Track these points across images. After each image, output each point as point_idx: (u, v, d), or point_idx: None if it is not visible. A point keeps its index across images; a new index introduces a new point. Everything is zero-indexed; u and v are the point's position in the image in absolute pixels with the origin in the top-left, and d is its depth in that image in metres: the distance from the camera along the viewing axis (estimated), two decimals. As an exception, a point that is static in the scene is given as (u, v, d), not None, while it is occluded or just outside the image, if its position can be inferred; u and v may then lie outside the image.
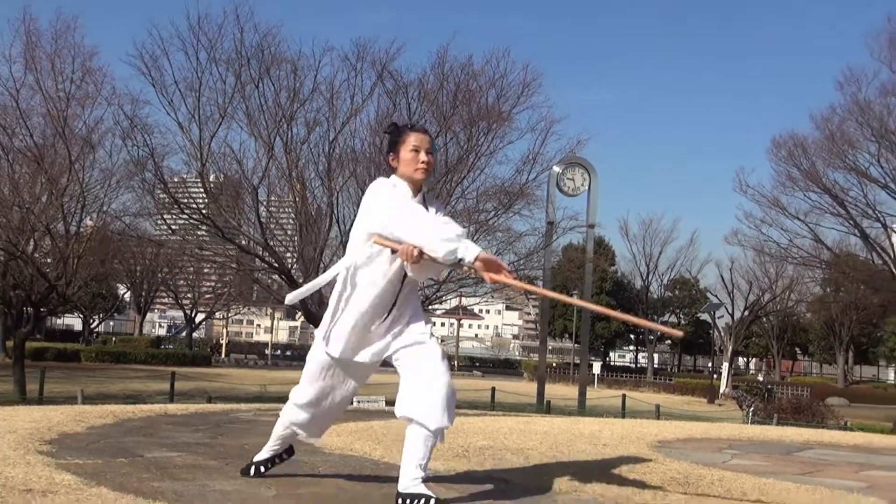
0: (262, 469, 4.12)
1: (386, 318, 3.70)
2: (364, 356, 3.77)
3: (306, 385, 3.96)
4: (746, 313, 62.15)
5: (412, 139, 3.80)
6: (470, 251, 3.38)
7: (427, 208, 3.71)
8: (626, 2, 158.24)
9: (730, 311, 61.89)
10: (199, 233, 31.37)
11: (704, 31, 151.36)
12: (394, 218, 3.54)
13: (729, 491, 4.46)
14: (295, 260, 28.99)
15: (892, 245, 38.39)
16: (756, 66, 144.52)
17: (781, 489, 4.64)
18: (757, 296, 61.60)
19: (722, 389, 47.97)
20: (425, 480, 3.48)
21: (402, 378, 3.64)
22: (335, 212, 28.25)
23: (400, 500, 3.45)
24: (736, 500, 4.26)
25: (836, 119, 34.88)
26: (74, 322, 72.98)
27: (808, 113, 70.59)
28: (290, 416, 4.03)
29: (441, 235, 3.41)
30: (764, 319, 66.51)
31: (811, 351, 76.13)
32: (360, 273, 3.73)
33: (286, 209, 31.82)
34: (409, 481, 3.45)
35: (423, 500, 3.40)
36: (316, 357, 3.94)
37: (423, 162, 3.75)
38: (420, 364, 3.59)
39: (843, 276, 45.94)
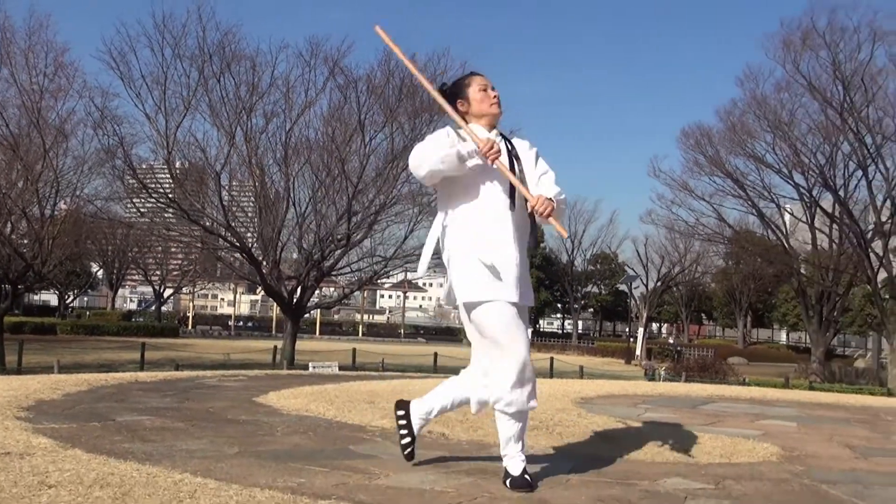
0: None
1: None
2: (528, 297, 3.28)
3: (510, 360, 3.13)
4: (659, 284, 63.18)
5: (477, 81, 3.45)
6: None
7: (502, 139, 3.38)
8: (556, 7, 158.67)
9: (644, 283, 62.85)
10: (166, 215, 30.89)
11: (624, 32, 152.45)
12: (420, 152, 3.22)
13: (642, 440, 4.55)
14: (255, 239, 28.75)
15: (784, 223, 39.36)
16: (670, 63, 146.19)
17: (687, 437, 4.74)
18: (668, 268, 62.63)
19: (637, 352, 48.76)
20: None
21: None
22: (291, 195, 28.11)
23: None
24: (648, 447, 4.34)
25: (737, 112, 35.50)
26: (51, 298, 71.21)
27: (713, 106, 71.56)
28: (516, 404, 3.16)
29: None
30: (674, 289, 67.68)
31: (715, 316, 77.75)
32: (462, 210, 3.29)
33: (246, 193, 31.52)
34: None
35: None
36: (499, 317, 3.15)
37: (494, 97, 3.42)
38: None
39: (743, 251, 46.89)
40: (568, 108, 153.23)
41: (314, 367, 17.45)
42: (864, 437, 5.39)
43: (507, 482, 3.11)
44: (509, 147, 3.36)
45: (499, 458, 3.43)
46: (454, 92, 3.48)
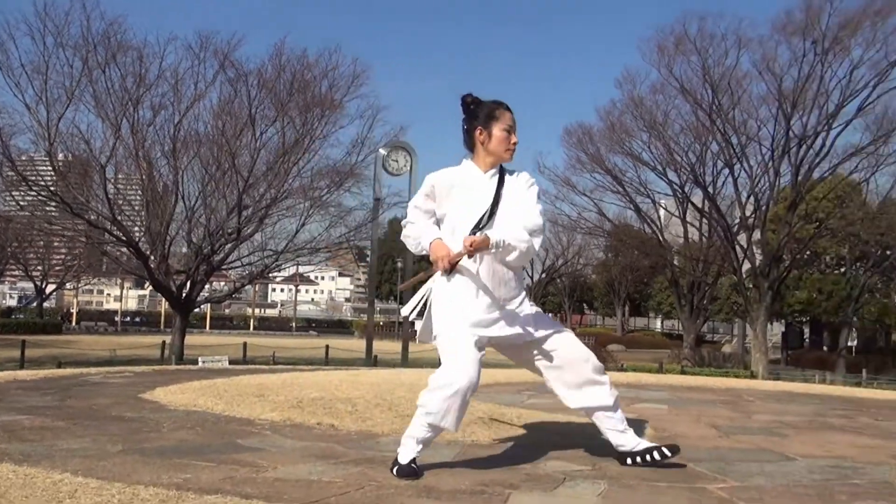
0: None
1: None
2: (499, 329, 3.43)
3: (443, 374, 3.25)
4: (544, 275, 64.58)
5: (505, 119, 3.35)
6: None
7: (502, 179, 3.37)
8: (444, 10, 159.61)
9: (530, 274, 64.04)
10: (47, 208, 29.53)
11: (512, 30, 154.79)
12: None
13: (525, 425, 4.65)
14: (142, 233, 27.80)
15: (659, 217, 40.86)
16: (553, 64, 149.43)
17: (568, 421, 4.88)
18: (552, 261, 64.05)
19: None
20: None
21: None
22: (180, 189, 27.32)
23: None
24: (531, 432, 4.44)
25: (616, 112, 36.58)
26: (-78, 295, 66.93)
27: (594, 106, 73.52)
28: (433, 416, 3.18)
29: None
30: (558, 280, 69.26)
31: (596, 306, 79.93)
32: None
33: (133, 186, 30.49)
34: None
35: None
36: (447, 342, 3.37)
37: (514, 143, 3.38)
38: None
39: (621, 244, 48.36)
40: (456, 104, 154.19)
41: (204, 362, 16.99)
42: (728, 417, 5.66)
43: (394, 470, 3.12)
44: (499, 181, 3.36)
45: (387, 449, 3.44)
46: (478, 114, 3.39)
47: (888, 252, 38.27)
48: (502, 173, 3.40)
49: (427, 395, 3.18)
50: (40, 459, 3.22)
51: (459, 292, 3.30)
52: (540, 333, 3.42)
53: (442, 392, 3.13)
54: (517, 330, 3.37)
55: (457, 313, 3.27)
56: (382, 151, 29.16)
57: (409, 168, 30.81)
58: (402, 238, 3.52)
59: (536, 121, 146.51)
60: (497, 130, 3.34)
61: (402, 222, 3.52)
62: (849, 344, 42.77)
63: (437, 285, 3.38)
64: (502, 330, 3.34)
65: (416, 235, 3.43)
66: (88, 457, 3.35)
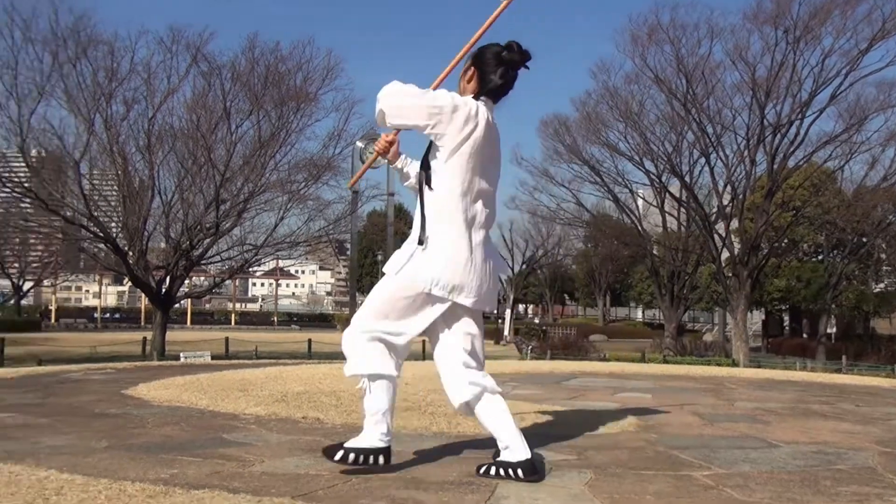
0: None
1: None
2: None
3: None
4: (524, 267, 64.79)
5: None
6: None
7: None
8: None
9: (510, 266, 64.23)
10: (22, 205, 29.20)
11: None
12: None
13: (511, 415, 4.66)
14: (120, 229, 27.56)
15: (637, 207, 41.10)
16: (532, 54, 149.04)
17: (552, 411, 4.90)
18: (532, 252, 64.32)
19: (505, 332, 49.83)
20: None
21: None
22: (157, 183, 27.12)
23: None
24: (516, 422, 4.45)
25: (592, 102, 36.72)
26: None
27: (569, 97, 73.51)
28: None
29: None
30: (538, 271, 69.49)
31: (577, 296, 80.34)
32: None
33: (109, 182, 30.20)
34: None
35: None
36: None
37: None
38: None
39: (601, 234, 48.67)
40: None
41: (186, 357, 16.93)
42: (711, 405, 5.71)
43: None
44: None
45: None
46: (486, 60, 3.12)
47: (864, 239, 38.72)
48: None
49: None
50: (24, 456, 3.19)
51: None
52: None
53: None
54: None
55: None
56: (359, 144, 29.00)
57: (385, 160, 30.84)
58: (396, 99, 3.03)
59: (513, 112, 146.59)
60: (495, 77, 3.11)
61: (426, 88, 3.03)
62: (828, 331, 43.27)
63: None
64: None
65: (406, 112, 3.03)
66: (73, 453, 3.32)
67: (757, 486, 2.98)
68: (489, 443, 3.77)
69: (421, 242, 3.00)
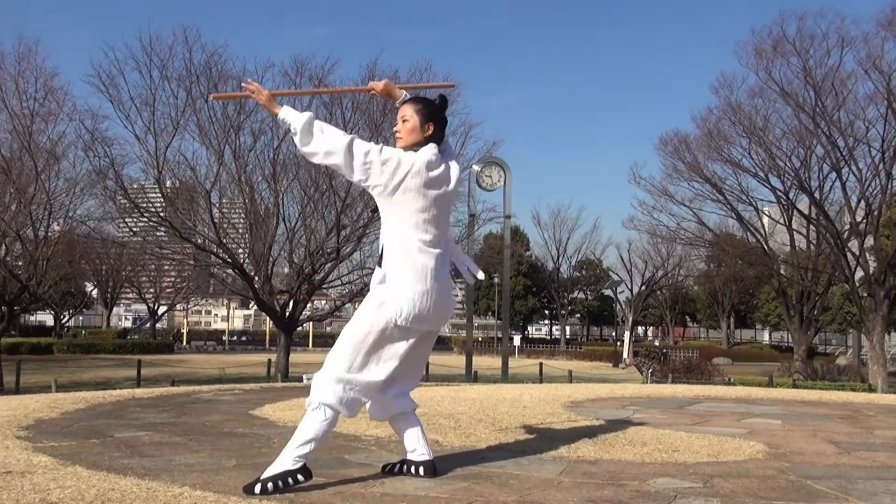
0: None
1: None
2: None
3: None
4: (643, 288, 63.43)
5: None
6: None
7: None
8: (531, 17, 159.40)
9: (629, 287, 63.15)
10: (158, 233, 30.77)
11: (601, 40, 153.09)
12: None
13: (632, 441, 4.56)
14: (247, 255, 28.67)
15: (763, 225, 39.55)
16: (647, 71, 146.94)
17: (676, 437, 4.76)
18: (652, 272, 62.92)
19: (624, 355, 48.83)
20: None
21: None
22: (281, 211, 28.07)
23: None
24: (637, 447, 4.35)
25: (713, 118, 35.62)
26: (46, 318, 70.80)
27: (690, 114, 71.88)
28: None
29: None
30: (658, 292, 67.90)
31: (699, 318, 77.94)
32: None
33: (237, 210, 31.46)
34: None
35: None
36: None
37: (395, 130, 3.64)
38: None
39: (724, 253, 47.07)
40: (546, 115, 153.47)
41: (308, 379, 17.34)
42: (847, 433, 5.41)
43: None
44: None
45: (492, 465, 3.42)
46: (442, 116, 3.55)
47: None
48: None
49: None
50: (160, 473, 3.36)
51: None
52: None
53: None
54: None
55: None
56: (476, 168, 29.31)
57: (502, 183, 30.93)
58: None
59: (632, 130, 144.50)
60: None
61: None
62: (975, 354, 40.32)
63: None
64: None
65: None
66: (205, 471, 3.47)
67: (900, 520, 2.80)
68: (609, 467, 3.70)
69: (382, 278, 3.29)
